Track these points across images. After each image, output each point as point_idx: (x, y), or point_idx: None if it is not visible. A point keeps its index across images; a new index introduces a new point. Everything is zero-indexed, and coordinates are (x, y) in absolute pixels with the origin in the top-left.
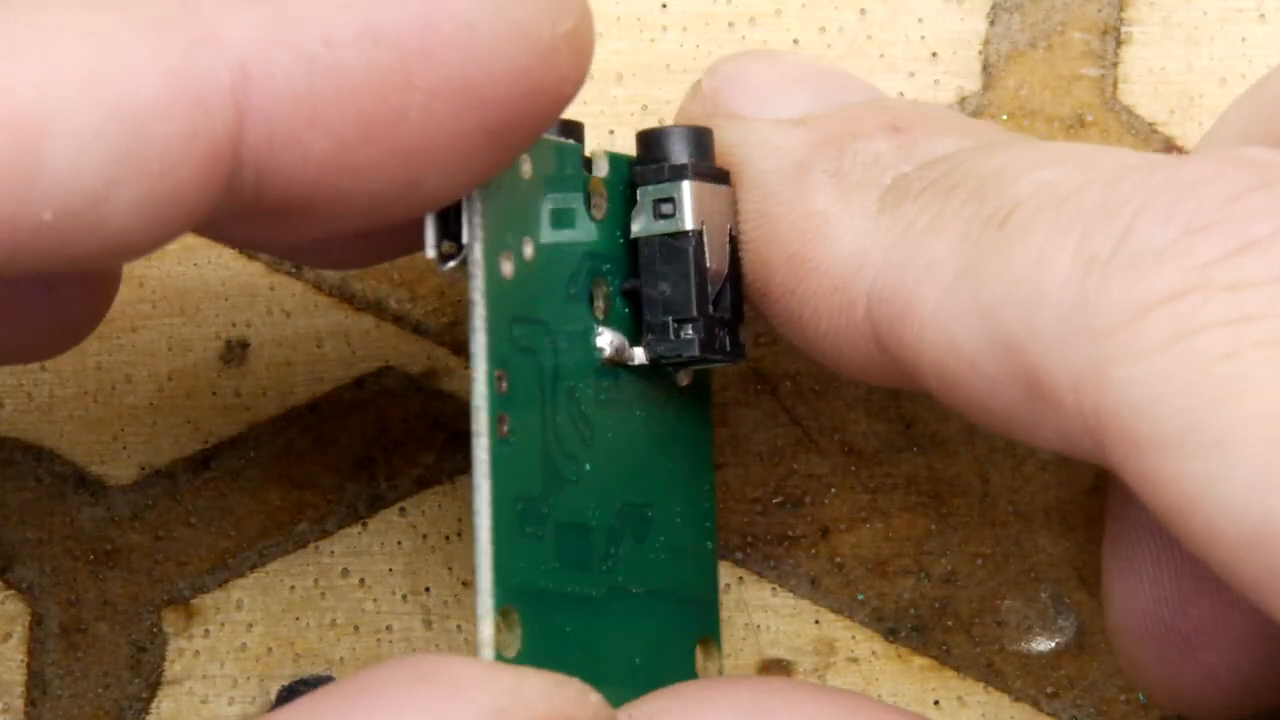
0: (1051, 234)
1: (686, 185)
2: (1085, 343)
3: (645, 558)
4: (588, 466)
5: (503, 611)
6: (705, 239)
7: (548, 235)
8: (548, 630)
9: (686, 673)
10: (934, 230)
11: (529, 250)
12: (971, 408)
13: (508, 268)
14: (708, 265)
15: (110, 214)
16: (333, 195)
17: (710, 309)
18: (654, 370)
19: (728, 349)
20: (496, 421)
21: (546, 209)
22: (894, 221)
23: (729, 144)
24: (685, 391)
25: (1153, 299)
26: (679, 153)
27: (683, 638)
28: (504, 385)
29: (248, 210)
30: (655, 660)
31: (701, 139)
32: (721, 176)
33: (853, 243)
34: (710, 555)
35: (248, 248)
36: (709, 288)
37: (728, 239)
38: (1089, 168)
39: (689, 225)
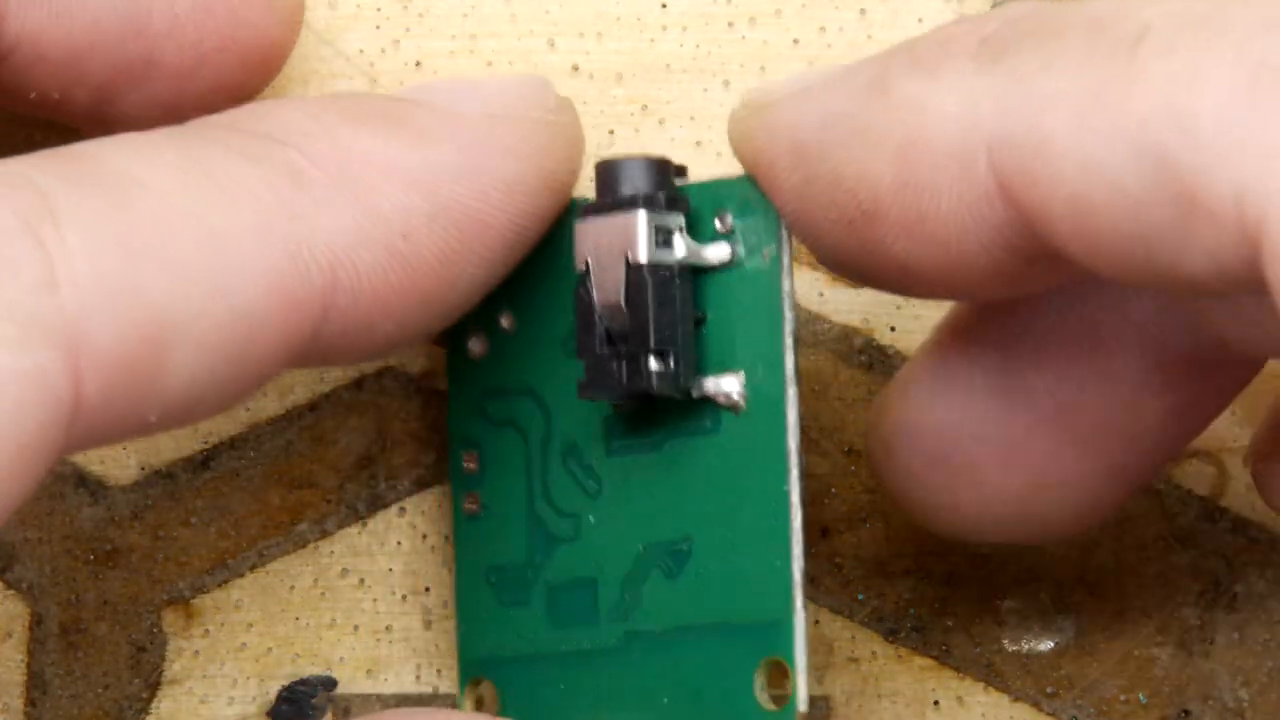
0: (1200, 48)
1: (575, 226)
2: (1254, 155)
3: (681, 592)
4: (592, 519)
5: (473, 682)
6: (591, 279)
7: (534, 300)
8: (533, 693)
9: (744, 698)
10: (1049, 71)
11: (506, 322)
12: (1112, 239)
13: (476, 347)
14: (594, 304)
15: (200, 409)
16: (375, 356)
17: (599, 347)
18: (680, 400)
19: (618, 384)
20: (461, 502)
21: (534, 273)
22: (997, 74)
23: (795, 112)
24: (744, 413)
25: None
26: (607, 188)
27: (740, 663)
28: (472, 465)
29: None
30: (697, 692)
31: (634, 171)
32: (625, 204)
33: (958, 103)
34: (780, 572)
35: None
36: (598, 327)
37: (623, 271)
38: None
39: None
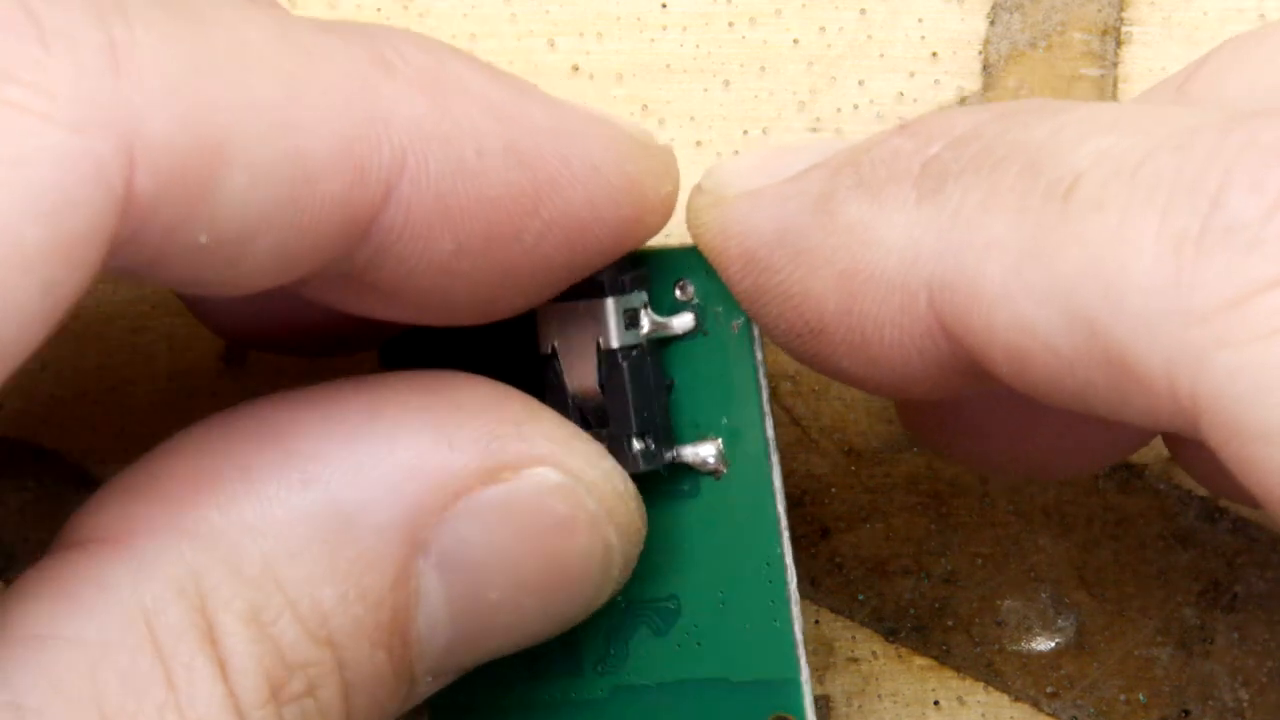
0: (1128, 209)
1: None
2: (1180, 326)
3: (673, 649)
4: None
5: None
6: (558, 362)
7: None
8: None
9: None
10: (986, 209)
11: None
12: (1048, 389)
13: None
14: (565, 387)
15: (250, 253)
16: (426, 293)
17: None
18: (669, 468)
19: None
20: None
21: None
22: (939, 206)
23: (747, 218)
24: (724, 477)
25: (1255, 283)
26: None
27: (745, 717)
28: None
29: (339, 278)
30: None
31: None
32: (590, 291)
33: (900, 237)
34: (782, 632)
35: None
36: (570, 407)
37: (594, 355)
38: (1146, 132)
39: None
